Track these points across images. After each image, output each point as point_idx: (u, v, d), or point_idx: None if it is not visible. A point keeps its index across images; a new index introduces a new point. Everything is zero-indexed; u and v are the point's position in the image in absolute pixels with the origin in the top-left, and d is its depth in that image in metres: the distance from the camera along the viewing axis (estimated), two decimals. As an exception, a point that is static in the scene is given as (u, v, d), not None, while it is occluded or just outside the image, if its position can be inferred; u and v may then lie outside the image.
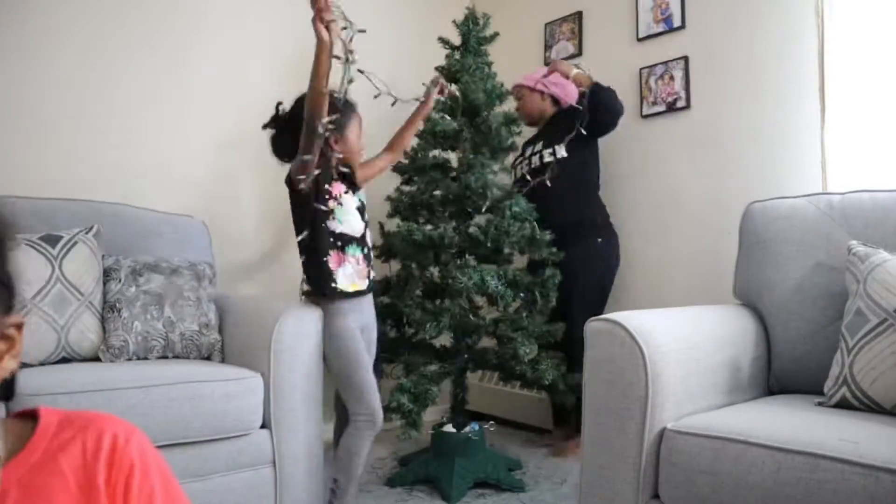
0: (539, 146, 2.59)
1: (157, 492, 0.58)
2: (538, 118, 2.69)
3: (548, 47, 3.08)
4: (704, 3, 2.49)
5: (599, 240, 2.48)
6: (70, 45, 2.25)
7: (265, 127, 1.88)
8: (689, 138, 2.53)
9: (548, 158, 2.52)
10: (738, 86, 2.39)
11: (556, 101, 2.63)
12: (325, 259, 1.80)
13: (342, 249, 1.83)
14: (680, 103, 2.53)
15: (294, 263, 2.78)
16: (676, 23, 2.55)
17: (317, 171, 1.76)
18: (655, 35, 2.63)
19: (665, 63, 2.58)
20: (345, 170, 1.90)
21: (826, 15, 2.10)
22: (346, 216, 1.84)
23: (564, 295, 2.34)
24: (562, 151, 2.48)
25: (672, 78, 2.56)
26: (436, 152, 2.44)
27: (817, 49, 2.12)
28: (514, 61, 3.15)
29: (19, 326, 0.53)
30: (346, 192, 1.86)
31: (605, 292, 2.51)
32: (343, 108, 1.81)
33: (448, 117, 2.35)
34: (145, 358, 1.81)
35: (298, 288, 2.00)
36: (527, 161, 2.63)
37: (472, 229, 2.31)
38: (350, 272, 1.83)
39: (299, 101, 1.78)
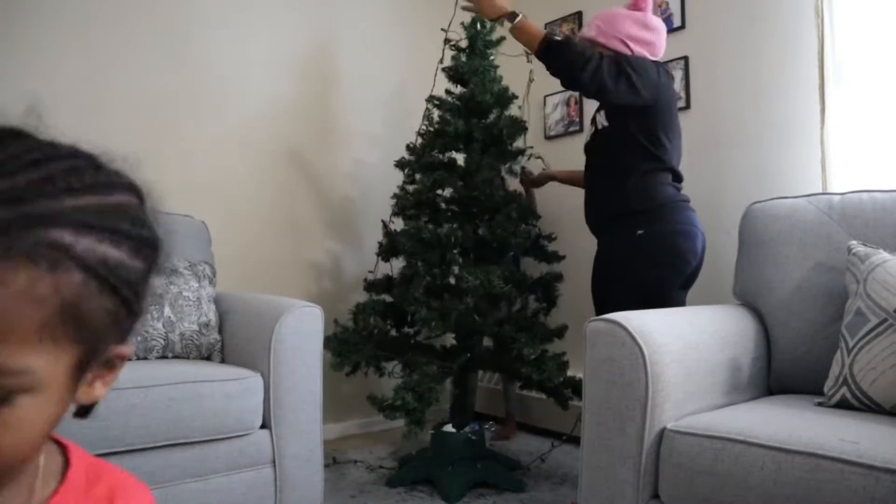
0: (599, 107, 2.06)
1: None
2: None
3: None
4: (704, 3, 2.49)
5: (640, 232, 1.89)
6: (70, 46, 2.25)
7: None
8: (689, 138, 2.52)
9: (600, 125, 2.03)
10: (738, 86, 2.39)
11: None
12: None
13: None
14: (680, 103, 2.53)
15: (294, 262, 2.80)
16: (676, 23, 2.55)
17: None
18: (655, 35, 2.63)
19: (665, 63, 2.58)
20: None
21: (826, 15, 2.10)
22: None
23: (598, 297, 2.00)
24: (603, 120, 1.99)
25: (672, 78, 2.56)
26: (443, 152, 2.44)
27: (817, 49, 2.12)
28: (514, 61, 3.15)
29: (124, 358, 0.50)
30: None
31: (651, 297, 1.82)
32: None
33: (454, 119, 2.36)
34: (145, 358, 1.81)
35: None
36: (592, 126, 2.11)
37: (479, 230, 2.32)
38: None
39: None
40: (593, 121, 2.05)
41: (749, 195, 2.19)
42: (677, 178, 1.96)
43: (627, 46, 1.93)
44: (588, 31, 1.99)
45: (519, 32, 1.92)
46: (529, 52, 1.95)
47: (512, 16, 1.93)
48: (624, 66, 1.81)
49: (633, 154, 1.91)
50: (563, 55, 1.82)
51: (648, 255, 1.88)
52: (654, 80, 1.86)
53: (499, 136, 2.33)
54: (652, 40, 1.96)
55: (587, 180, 2.08)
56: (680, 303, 1.90)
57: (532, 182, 2.46)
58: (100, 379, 0.49)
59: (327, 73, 2.91)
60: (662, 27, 1.99)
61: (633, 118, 1.89)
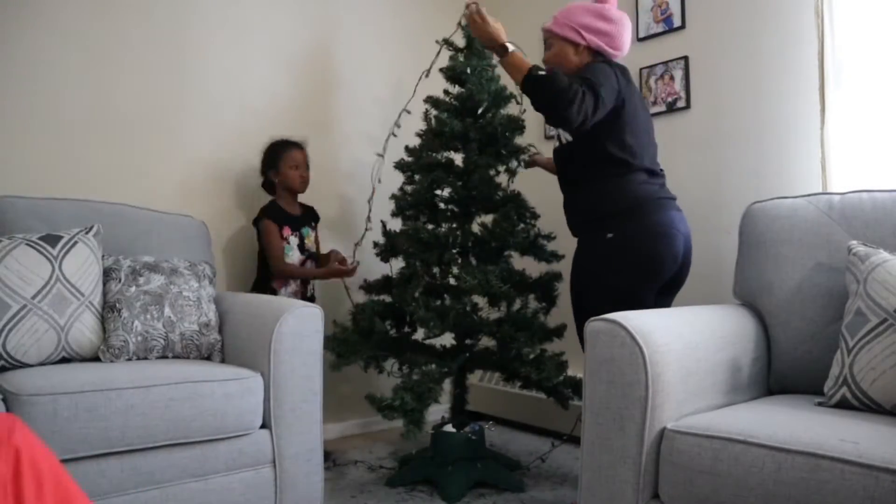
0: None
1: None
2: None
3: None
4: (704, 3, 2.49)
5: (609, 235, 1.84)
6: (71, 46, 2.25)
7: None
8: (689, 138, 2.53)
9: (564, 139, 1.97)
10: (738, 86, 2.39)
11: (597, 54, 1.96)
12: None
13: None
14: (680, 103, 2.53)
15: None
16: (676, 23, 2.55)
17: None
18: (655, 35, 2.63)
19: (665, 63, 2.58)
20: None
21: (826, 15, 2.10)
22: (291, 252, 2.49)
23: (575, 302, 1.95)
24: (566, 135, 1.95)
25: (672, 78, 2.56)
26: (440, 153, 2.44)
27: (817, 49, 2.12)
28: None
29: None
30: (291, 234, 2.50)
31: (624, 301, 1.70)
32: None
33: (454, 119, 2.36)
34: (145, 358, 1.81)
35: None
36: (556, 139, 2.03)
37: (476, 229, 2.31)
38: (290, 292, 2.47)
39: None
40: (557, 136, 2.01)
41: (749, 195, 2.19)
42: (653, 174, 1.90)
43: (581, 35, 1.92)
44: (547, 22, 2.00)
45: (507, 66, 1.88)
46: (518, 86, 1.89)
47: (503, 49, 1.88)
48: (596, 87, 1.75)
49: (597, 163, 1.87)
50: (547, 91, 1.75)
51: (618, 259, 1.82)
52: (614, 85, 1.82)
53: (494, 134, 2.33)
54: (609, 31, 1.93)
55: (561, 188, 2.06)
56: (660, 308, 1.80)
57: (540, 164, 2.40)
58: None
59: (326, 73, 2.91)
60: (624, 20, 1.96)
61: (597, 127, 1.83)
